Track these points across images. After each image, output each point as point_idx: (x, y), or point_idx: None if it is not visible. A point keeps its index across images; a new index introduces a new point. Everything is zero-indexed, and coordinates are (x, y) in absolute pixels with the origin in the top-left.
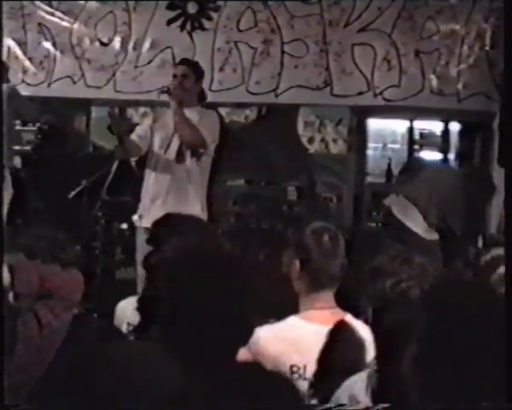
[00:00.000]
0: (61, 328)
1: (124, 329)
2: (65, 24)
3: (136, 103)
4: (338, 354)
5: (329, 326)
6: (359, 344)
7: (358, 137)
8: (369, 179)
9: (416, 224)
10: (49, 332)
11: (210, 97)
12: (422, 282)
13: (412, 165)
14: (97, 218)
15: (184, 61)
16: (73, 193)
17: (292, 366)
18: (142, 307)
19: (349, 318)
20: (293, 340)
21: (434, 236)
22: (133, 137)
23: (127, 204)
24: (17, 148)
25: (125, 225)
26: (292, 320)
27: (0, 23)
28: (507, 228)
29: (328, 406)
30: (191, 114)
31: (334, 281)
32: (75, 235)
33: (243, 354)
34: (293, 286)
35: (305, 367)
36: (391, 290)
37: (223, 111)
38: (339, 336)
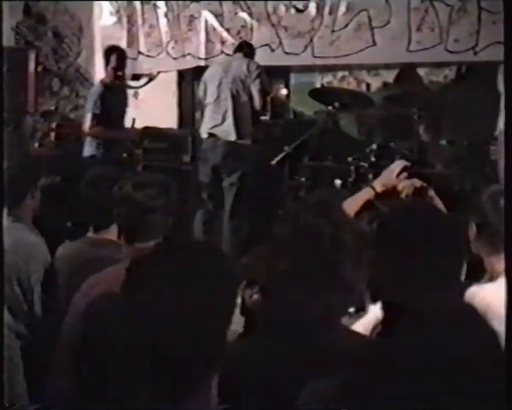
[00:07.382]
0: None
1: None
2: None
3: (334, 68)
4: None
5: None
6: None
7: None
8: None
9: None
10: None
11: (408, 58)
12: None
13: None
14: (300, 183)
15: None
16: (276, 159)
17: None
18: None
19: None
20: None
21: None
22: None
23: (329, 169)
24: None
25: None
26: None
27: (0, 23)
28: (507, 226)
29: None
30: None
31: None
32: (278, 201)
33: None
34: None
35: None
36: None
37: (421, 71)
38: None
